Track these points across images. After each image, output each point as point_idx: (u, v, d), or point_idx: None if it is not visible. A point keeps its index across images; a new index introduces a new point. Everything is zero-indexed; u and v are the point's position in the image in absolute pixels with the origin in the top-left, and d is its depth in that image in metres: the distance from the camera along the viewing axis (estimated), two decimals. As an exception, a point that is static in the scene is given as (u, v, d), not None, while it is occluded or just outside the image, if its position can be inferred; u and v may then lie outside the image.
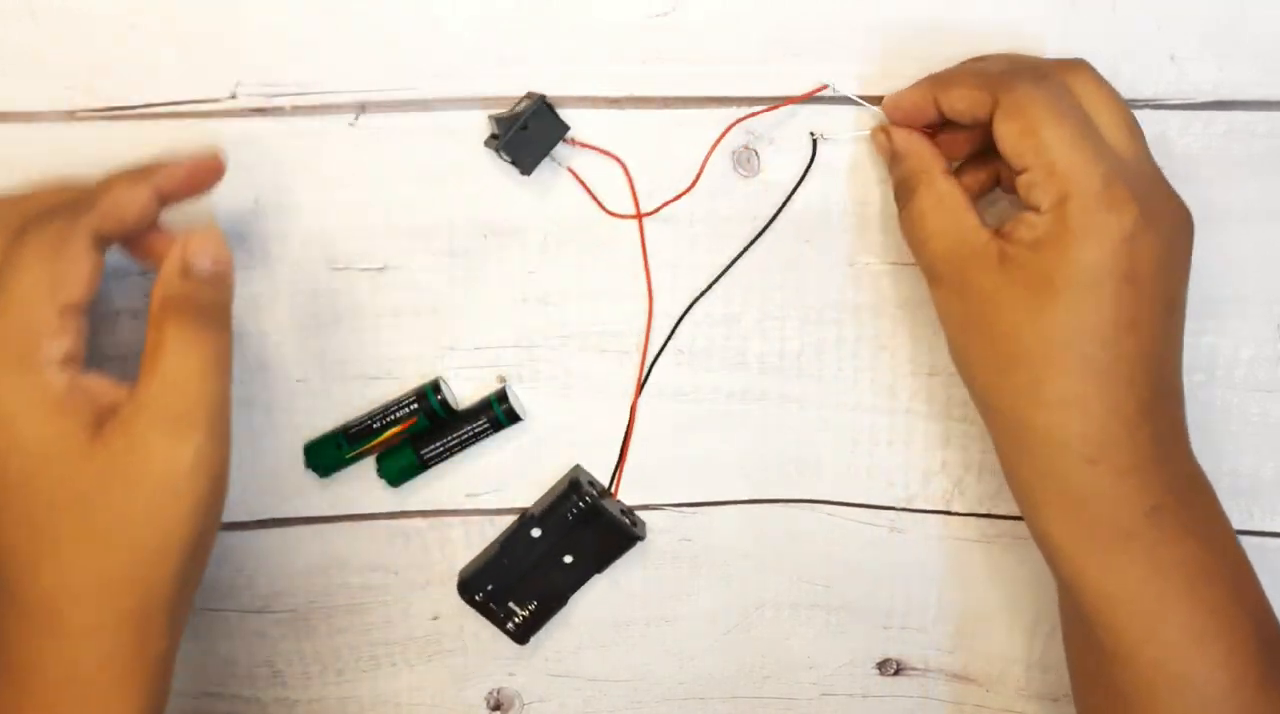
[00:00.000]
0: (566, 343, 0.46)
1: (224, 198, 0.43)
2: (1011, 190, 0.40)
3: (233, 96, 0.42)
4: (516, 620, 0.48)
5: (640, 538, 0.47)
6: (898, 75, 0.42)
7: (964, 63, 0.43)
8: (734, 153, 0.43)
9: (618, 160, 0.43)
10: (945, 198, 0.40)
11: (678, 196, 0.43)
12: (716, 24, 0.41)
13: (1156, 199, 0.38)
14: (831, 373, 0.46)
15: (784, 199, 0.44)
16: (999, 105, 0.38)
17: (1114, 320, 0.37)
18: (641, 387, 0.46)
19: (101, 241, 0.37)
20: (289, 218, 0.44)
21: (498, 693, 0.51)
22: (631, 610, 0.50)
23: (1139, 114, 0.42)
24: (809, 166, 0.43)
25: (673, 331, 0.45)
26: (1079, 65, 0.40)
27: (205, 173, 0.40)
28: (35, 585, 0.37)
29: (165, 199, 0.39)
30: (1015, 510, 0.48)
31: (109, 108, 0.42)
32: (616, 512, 0.47)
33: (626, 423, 0.47)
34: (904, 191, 0.41)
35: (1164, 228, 0.38)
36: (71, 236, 0.36)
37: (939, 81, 0.41)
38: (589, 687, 0.52)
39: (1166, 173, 0.43)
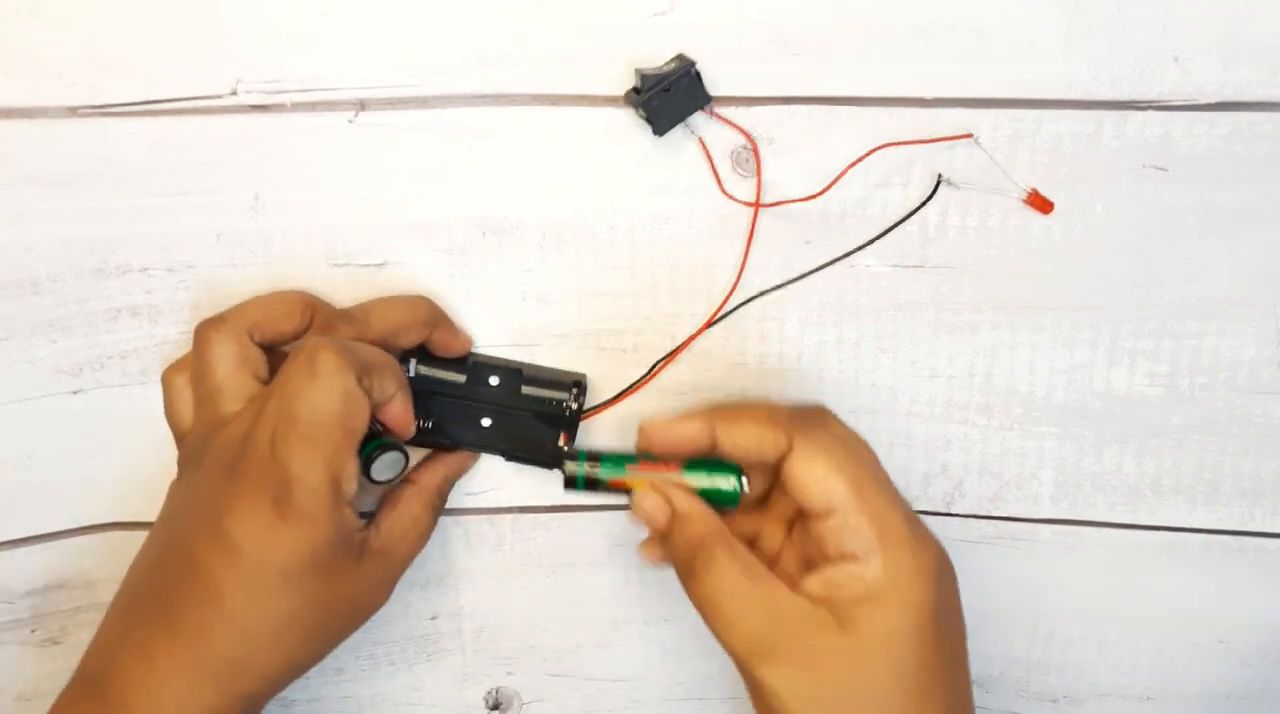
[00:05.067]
0: (565, 341, 0.46)
1: (225, 194, 0.43)
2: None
3: (233, 93, 0.42)
4: None
5: (560, 469, 0.44)
6: (899, 76, 0.42)
7: (738, 403, 0.43)
8: (732, 152, 0.43)
9: (750, 141, 0.42)
10: (749, 567, 0.38)
11: (802, 199, 0.43)
12: (716, 24, 0.41)
13: (925, 528, 0.40)
14: (832, 375, 0.46)
15: (890, 226, 0.44)
16: (796, 446, 0.38)
17: (953, 649, 0.39)
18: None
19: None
20: (289, 214, 0.44)
21: (496, 692, 0.51)
22: (631, 610, 0.50)
23: (1143, 116, 0.42)
24: (926, 201, 0.43)
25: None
26: (825, 410, 0.41)
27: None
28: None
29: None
30: (1015, 512, 0.48)
31: (110, 104, 0.42)
32: (572, 434, 0.45)
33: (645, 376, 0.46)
34: (697, 562, 0.39)
35: (945, 555, 0.39)
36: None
37: (722, 417, 0.40)
38: (588, 686, 0.51)
39: (1170, 176, 0.43)
